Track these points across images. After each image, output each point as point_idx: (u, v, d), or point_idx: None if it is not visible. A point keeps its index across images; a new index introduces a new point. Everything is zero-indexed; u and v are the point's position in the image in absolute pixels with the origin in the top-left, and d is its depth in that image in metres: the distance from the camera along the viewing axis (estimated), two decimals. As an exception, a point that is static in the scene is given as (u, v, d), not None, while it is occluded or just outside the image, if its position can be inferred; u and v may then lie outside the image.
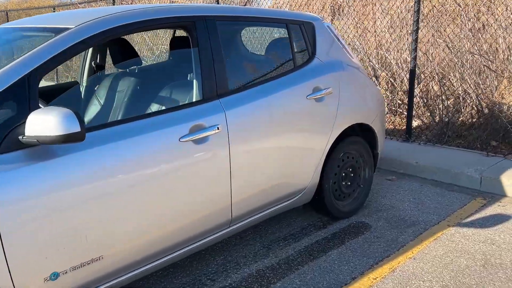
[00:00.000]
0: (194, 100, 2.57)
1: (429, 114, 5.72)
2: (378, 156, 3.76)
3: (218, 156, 2.51)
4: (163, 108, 2.61)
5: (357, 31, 6.06)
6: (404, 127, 5.62)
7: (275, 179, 2.90)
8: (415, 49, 4.79)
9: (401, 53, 5.84)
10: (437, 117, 5.66)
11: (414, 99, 5.90)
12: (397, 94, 6.20)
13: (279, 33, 3.41)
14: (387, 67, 6.13)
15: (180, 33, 4.83)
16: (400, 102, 6.23)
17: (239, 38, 3.46)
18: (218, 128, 2.49)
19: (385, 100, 6.28)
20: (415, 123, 5.99)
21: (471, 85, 5.37)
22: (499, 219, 3.45)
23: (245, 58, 3.33)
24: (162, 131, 2.29)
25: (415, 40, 4.75)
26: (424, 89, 5.95)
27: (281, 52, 3.17)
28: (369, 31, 6.01)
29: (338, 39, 3.47)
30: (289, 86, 2.96)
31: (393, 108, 6.25)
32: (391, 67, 6.07)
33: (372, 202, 3.82)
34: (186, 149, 2.36)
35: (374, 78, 6.53)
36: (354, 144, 3.49)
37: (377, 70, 6.31)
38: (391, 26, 5.72)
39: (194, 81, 2.58)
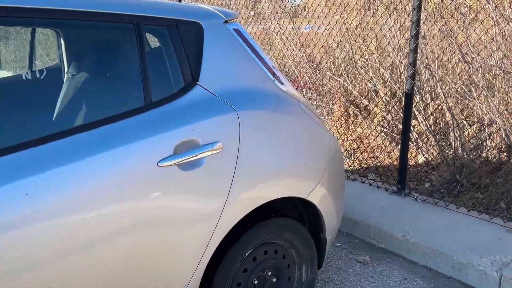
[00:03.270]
0: None
1: (437, 148, 4.18)
2: (327, 243, 2.31)
3: None
4: None
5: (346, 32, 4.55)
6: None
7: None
8: (414, 63, 3.27)
9: (393, 65, 4.32)
10: (449, 154, 4.12)
11: (421, 126, 4.38)
12: (398, 115, 4.67)
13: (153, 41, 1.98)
14: (381, 80, 4.60)
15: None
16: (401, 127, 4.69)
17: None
18: None
19: (384, 122, 4.74)
20: (420, 158, 4.46)
21: (498, 112, 3.81)
22: None
23: (27, 88, 1.89)
24: None
25: (414, 50, 3.23)
26: (433, 113, 4.40)
27: (118, 76, 1.77)
28: (352, 33, 4.48)
29: (254, 53, 2.02)
30: (119, 143, 1.54)
31: (393, 134, 4.73)
32: (386, 82, 4.54)
33: (317, 314, 2.38)
34: None
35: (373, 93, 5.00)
36: (279, 230, 2.06)
37: (375, 84, 4.77)
38: (380, 29, 4.19)
39: None
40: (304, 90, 5.46)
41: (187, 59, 1.80)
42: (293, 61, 5.41)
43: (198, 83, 1.80)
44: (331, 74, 5.01)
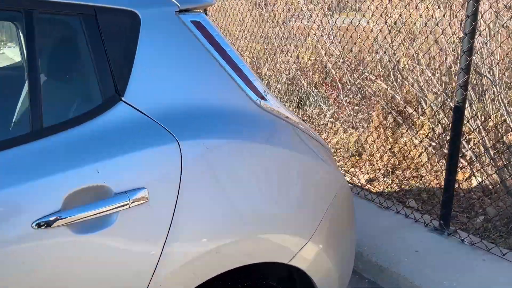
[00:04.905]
0: None
1: (495, 169, 3.39)
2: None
3: None
4: None
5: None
6: (456, 185, 3.30)
7: None
8: (467, 68, 2.54)
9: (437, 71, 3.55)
10: (509, 177, 3.34)
11: (471, 140, 3.61)
12: (448, 128, 3.89)
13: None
14: (430, 88, 3.84)
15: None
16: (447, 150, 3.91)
17: None
18: None
19: (432, 136, 3.97)
20: (474, 181, 3.69)
21: None
22: None
23: None
24: None
25: (468, 52, 2.50)
26: (488, 127, 3.61)
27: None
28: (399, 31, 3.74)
29: (222, 55, 1.43)
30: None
31: (444, 150, 3.95)
32: (435, 90, 3.78)
33: None
34: None
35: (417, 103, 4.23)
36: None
37: (426, 95, 4.00)
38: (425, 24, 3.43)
39: None
40: (342, 93, 4.78)
41: (109, 64, 1.23)
42: (328, 60, 4.74)
43: (122, 98, 1.23)
44: (371, 78, 4.30)
